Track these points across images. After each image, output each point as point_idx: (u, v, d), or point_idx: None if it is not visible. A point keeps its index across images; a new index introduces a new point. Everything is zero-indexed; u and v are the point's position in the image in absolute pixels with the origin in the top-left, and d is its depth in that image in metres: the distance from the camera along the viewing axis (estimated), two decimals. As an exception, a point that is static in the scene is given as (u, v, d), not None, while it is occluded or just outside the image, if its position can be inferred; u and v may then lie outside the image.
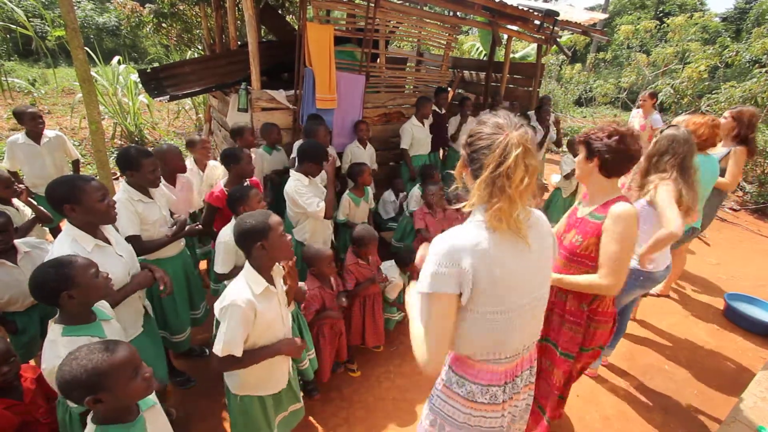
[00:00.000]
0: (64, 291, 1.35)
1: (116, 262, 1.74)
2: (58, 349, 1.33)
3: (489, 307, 1.11)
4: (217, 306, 1.54)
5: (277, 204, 3.13)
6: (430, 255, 1.10)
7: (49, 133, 3.39)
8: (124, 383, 1.14)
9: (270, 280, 1.63)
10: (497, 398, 1.21)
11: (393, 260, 2.90)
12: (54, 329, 1.39)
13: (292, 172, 2.70)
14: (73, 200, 1.63)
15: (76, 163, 3.59)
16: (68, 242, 1.63)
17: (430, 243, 1.15)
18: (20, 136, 3.27)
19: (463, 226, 1.13)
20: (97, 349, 1.13)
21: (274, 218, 1.62)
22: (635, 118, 5.38)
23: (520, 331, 1.18)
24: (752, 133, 3.09)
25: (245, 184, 2.68)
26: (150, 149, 2.23)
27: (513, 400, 1.26)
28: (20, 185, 2.58)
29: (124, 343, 1.20)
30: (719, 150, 3.12)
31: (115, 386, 1.13)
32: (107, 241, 1.76)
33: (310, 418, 2.35)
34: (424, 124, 4.25)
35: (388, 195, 4.08)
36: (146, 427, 1.26)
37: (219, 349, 1.47)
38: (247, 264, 1.62)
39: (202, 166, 3.25)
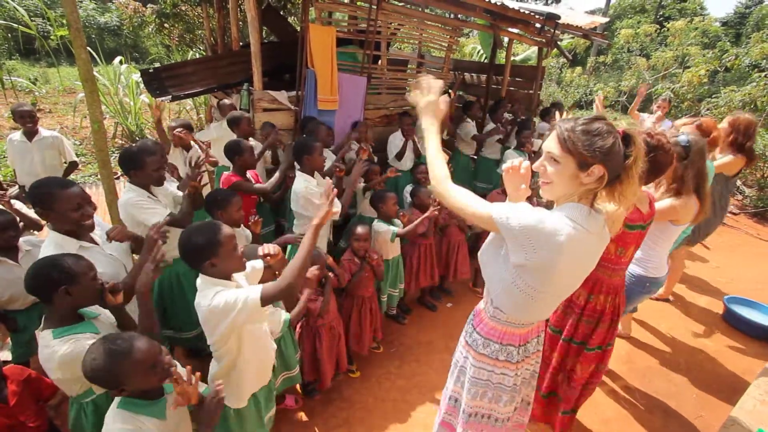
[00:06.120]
0: (64, 286, 1.33)
1: (104, 261, 1.70)
2: (53, 350, 1.31)
3: (529, 281, 1.21)
4: (219, 318, 1.40)
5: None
6: (529, 220, 1.13)
7: (45, 132, 3.38)
8: (141, 378, 1.19)
9: (231, 278, 1.53)
10: (512, 357, 1.38)
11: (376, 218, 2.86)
12: (44, 337, 1.36)
13: (298, 173, 2.69)
14: (46, 206, 1.57)
15: (71, 165, 3.51)
16: (52, 248, 1.59)
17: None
18: (18, 134, 3.30)
19: (564, 219, 1.16)
20: (114, 349, 1.16)
21: (225, 231, 1.45)
22: (647, 123, 5.35)
23: (541, 310, 1.34)
24: (749, 141, 3.05)
25: (246, 176, 2.71)
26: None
27: (524, 362, 1.43)
28: (3, 190, 2.58)
29: (141, 340, 1.21)
30: (718, 157, 3.13)
31: (132, 381, 1.18)
32: (93, 241, 1.72)
33: (310, 419, 2.35)
34: None
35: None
36: (166, 410, 1.29)
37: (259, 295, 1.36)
38: (201, 277, 1.47)
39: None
